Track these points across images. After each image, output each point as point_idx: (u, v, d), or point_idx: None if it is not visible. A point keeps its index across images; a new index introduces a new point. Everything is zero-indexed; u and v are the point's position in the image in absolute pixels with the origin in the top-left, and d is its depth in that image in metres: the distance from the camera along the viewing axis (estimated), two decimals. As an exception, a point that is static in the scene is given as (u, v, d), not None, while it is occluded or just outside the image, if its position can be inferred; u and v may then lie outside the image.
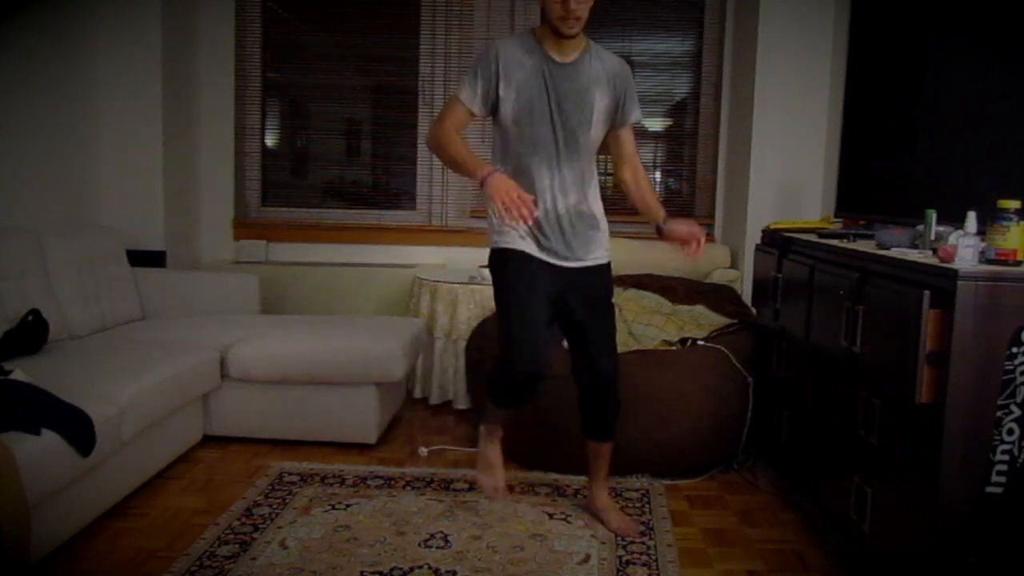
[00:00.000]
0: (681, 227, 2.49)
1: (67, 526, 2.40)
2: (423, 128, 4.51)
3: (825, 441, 2.56)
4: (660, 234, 2.55)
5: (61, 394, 2.41)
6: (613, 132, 2.52)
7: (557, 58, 2.38)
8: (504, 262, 2.46)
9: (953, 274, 1.86)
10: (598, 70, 2.41)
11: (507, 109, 2.38)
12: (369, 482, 3.01)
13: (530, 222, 2.25)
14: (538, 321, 2.40)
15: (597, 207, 2.54)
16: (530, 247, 2.44)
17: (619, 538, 2.59)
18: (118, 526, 2.61)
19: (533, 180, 2.40)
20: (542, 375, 2.41)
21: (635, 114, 2.52)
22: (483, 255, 2.62)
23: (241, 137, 4.57)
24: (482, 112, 2.41)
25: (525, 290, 2.41)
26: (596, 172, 2.55)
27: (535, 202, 2.31)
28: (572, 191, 2.44)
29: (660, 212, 2.56)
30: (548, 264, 2.45)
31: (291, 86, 4.71)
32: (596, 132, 2.45)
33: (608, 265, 2.56)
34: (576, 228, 2.47)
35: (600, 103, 2.41)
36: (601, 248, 2.54)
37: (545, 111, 2.37)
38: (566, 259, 2.46)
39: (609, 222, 2.63)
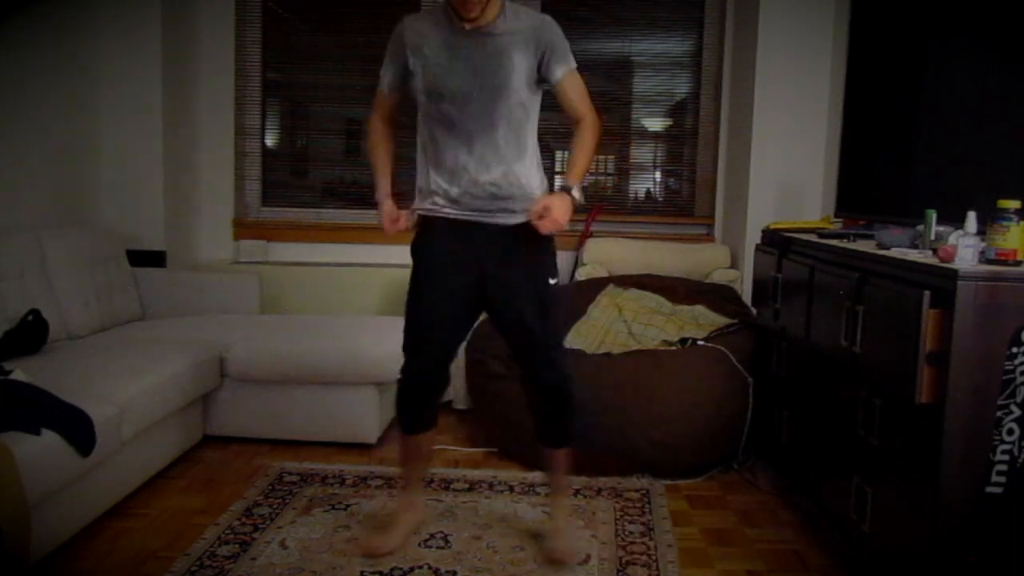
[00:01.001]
0: (544, 201, 2.16)
1: (67, 526, 2.40)
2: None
3: (825, 441, 2.56)
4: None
5: (61, 394, 2.41)
6: (553, 89, 2.28)
7: (466, 25, 2.20)
8: (419, 247, 2.38)
9: (953, 274, 1.86)
10: (514, 29, 2.21)
11: (417, 84, 2.28)
12: (369, 482, 3.01)
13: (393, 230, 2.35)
14: (437, 325, 2.34)
15: (531, 180, 2.31)
16: (445, 211, 2.31)
17: (619, 538, 2.59)
18: (118, 526, 2.61)
19: (450, 156, 2.27)
20: (432, 388, 2.40)
21: (562, 67, 2.24)
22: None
23: (241, 137, 4.57)
24: (396, 94, 2.38)
25: (432, 289, 2.34)
26: (530, 142, 2.32)
27: (454, 179, 2.27)
28: (495, 164, 2.25)
29: (568, 179, 2.23)
30: (470, 230, 2.28)
31: (291, 86, 4.71)
32: (519, 97, 2.23)
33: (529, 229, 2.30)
34: (500, 200, 2.28)
35: (520, 66, 2.21)
36: (524, 214, 2.27)
37: (456, 83, 2.21)
38: (490, 214, 2.28)
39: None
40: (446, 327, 2.37)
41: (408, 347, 2.39)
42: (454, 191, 2.28)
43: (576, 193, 2.20)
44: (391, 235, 2.39)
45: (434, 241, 2.34)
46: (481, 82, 2.20)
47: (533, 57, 2.23)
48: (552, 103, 2.36)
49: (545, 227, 2.13)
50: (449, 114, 2.24)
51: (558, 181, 2.26)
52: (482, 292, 2.33)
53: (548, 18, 2.27)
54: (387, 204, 2.38)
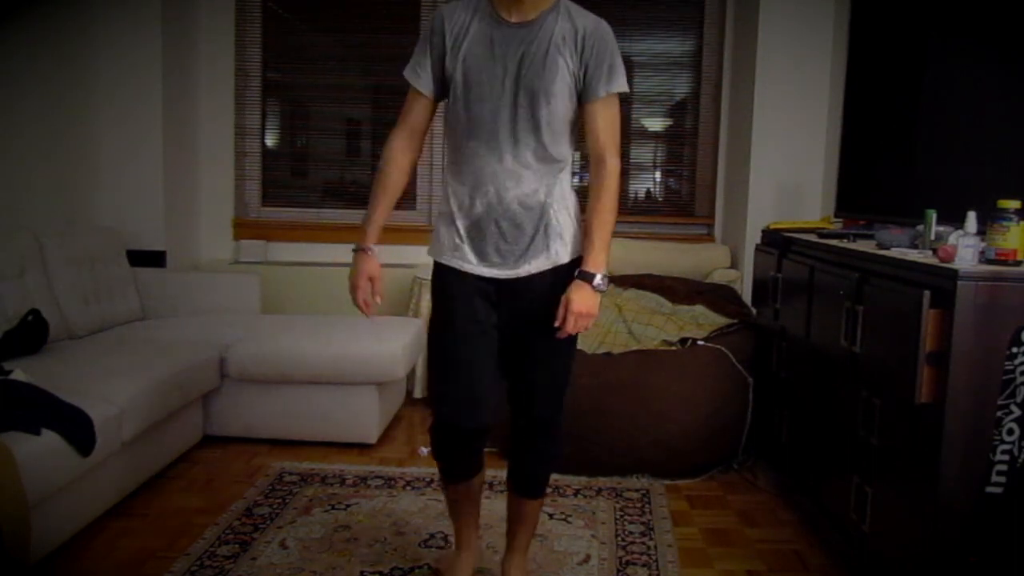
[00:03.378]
0: (569, 299, 1.90)
1: (67, 526, 2.40)
2: (423, 128, 4.51)
3: (825, 441, 2.56)
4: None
5: (61, 394, 2.41)
6: (582, 109, 1.97)
7: (511, 18, 1.91)
8: (437, 285, 2.07)
9: (953, 274, 1.86)
10: (564, 29, 1.91)
11: (455, 85, 1.95)
12: (369, 482, 3.01)
13: (367, 314, 2.04)
14: (468, 364, 1.99)
15: (562, 202, 1.99)
16: (466, 259, 2.00)
17: (619, 538, 2.59)
18: (118, 526, 2.61)
19: (477, 166, 1.95)
20: (471, 432, 2.02)
21: (606, 85, 1.92)
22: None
23: (241, 137, 4.57)
24: (432, 91, 2.00)
25: (456, 324, 2.00)
26: (565, 163, 2.00)
27: (478, 191, 1.96)
28: (526, 178, 1.94)
29: (587, 263, 1.94)
30: (488, 279, 2.00)
31: (291, 86, 4.71)
32: (562, 105, 1.92)
33: (568, 267, 1.99)
34: (523, 227, 1.96)
35: (564, 70, 1.91)
36: (557, 248, 1.99)
37: (492, 83, 1.91)
38: (504, 268, 1.98)
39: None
40: (477, 360, 2.02)
41: (438, 387, 2.08)
42: (477, 208, 1.96)
43: (599, 280, 1.91)
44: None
45: (453, 277, 2.03)
46: (520, 84, 1.91)
47: (578, 63, 1.92)
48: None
49: (569, 329, 1.90)
50: (482, 118, 1.93)
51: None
52: (499, 319, 2.04)
53: (604, 24, 1.96)
54: (363, 262, 2.03)
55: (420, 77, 1.99)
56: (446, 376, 2.02)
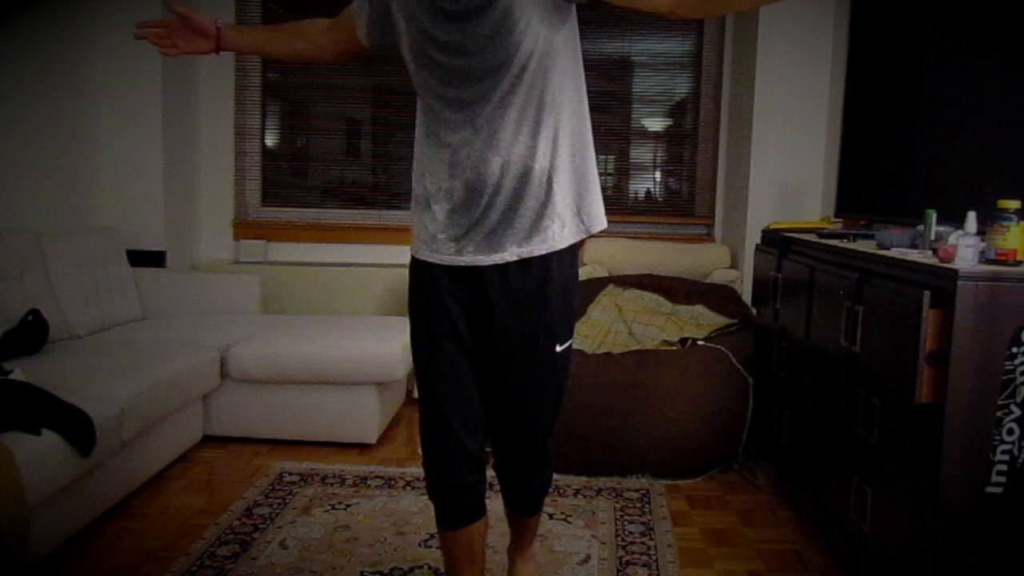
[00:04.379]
0: None
1: (67, 526, 2.40)
2: (423, 128, 4.51)
3: (825, 441, 2.56)
4: None
5: (61, 394, 2.41)
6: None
7: None
8: (413, 287, 1.79)
9: (953, 274, 1.86)
10: None
11: (404, 47, 1.69)
12: (369, 482, 3.01)
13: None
14: (455, 378, 1.74)
15: (567, 165, 1.68)
16: (442, 251, 1.72)
17: (619, 538, 2.59)
18: (118, 526, 2.61)
19: (448, 140, 1.67)
20: (466, 454, 1.76)
21: None
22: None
23: (241, 137, 4.57)
24: (365, 33, 1.78)
25: (436, 334, 1.74)
26: (564, 110, 1.66)
27: (456, 168, 1.67)
28: (508, 141, 1.63)
29: None
30: (465, 274, 1.72)
31: (291, 86, 4.71)
32: (540, 40, 1.59)
33: (566, 253, 1.72)
34: (513, 202, 1.66)
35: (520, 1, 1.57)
36: (554, 230, 1.69)
37: (445, 40, 1.61)
38: (489, 253, 1.69)
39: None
40: (464, 387, 1.77)
41: (427, 404, 1.78)
42: (457, 188, 1.67)
43: None
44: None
45: (430, 289, 1.76)
46: (474, 33, 1.58)
47: None
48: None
49: None
50: (444, 83, 1.64)
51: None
52: (481, 336, 1.78)
53: None
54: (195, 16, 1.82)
55: (362, 12, 1.77)
56: (434, 389, 1.76)
